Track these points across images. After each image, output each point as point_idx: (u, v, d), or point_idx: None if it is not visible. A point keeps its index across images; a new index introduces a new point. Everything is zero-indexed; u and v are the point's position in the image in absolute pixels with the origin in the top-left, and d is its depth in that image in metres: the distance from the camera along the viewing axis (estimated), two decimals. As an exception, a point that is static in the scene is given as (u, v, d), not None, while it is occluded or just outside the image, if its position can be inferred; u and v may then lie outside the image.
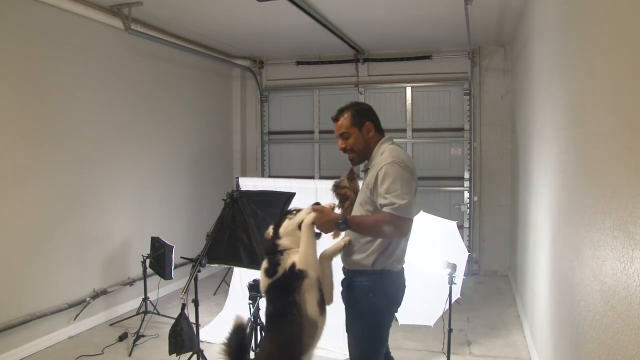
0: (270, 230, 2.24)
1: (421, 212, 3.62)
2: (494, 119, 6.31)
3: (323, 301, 2.16)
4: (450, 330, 3.34)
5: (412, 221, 2.25)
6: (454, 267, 3.25)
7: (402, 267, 2.47)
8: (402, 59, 6.51)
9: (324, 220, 2.18)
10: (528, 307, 4.23)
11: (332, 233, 2.39)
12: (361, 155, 2.47)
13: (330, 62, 6.80)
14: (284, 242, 2.17)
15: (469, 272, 5.64)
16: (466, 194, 6.40)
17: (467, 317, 4.74)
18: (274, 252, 2.17)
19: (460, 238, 3.64)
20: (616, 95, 1.74)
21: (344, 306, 2.44)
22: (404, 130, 6.58)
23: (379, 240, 2.31)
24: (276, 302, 2.14)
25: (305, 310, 2.07)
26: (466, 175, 6.40)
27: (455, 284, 3.26)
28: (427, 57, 6.45)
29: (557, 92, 2.92)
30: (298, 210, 2.25)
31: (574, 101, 2.46)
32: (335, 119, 2.48)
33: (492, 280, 6.14)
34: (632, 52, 1.56)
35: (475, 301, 5.22)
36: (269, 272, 2.15)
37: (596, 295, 1.92)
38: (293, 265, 2.09)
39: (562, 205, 2.73)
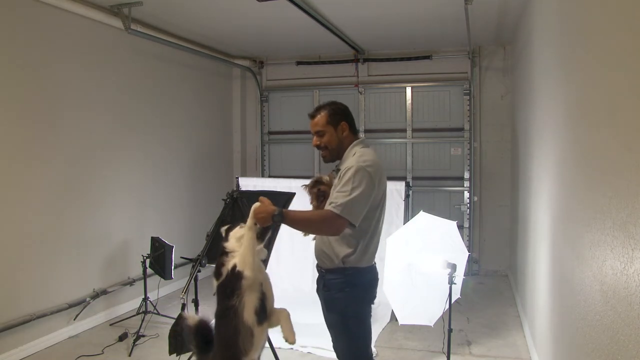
0: (223, 231, 2.31)
1: (421, 212, 3.62)
2: (494, 119, 6.31)
3: (263, 312, 2.20)
4: (450, 330, 3.34)
5: (347, 222, 2.23)
6: (454, 267, 3.24)
7: (374, 262, 2.52)
8: (402, 59, 6.51)
9: (261, 210, 2.20)
10: (528, 307, 4.23)
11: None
12: (333, 153, 2.53)
13: (330, 62, 6.79)
14: (229, 244, 2.23)
15: (469, 272, 5.64)
16: (466, 194, 6.40)
17: (467, 317, 4.74)
18: (221, 255, 2.25)
19: (460, 238, 3.63)
20: (616, 95, 1.74)
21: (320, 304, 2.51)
22: (404, 130, 6.58)
23: (348, 241, 2.35)
24: (220, 304, 2.23)
25: (241, 314, 2.15)
26: (466, 175, 6.40)
27: (455, 284, 3.26)
28: (427, 57, 6.44)
29: (557, 92, 2.92)
30: None
31: (574, 101, 2.46)
32: (312, 116, 2.55)
33: (492, 280, 6.14)
34: (632, 52, 1.56)
35: (475, 301, 5.22)
36: (215, 275, 2.24)
37: (596, 295, 1.92)
38: (234, 267, 2.17)
39: (562, 205, 2.73)
